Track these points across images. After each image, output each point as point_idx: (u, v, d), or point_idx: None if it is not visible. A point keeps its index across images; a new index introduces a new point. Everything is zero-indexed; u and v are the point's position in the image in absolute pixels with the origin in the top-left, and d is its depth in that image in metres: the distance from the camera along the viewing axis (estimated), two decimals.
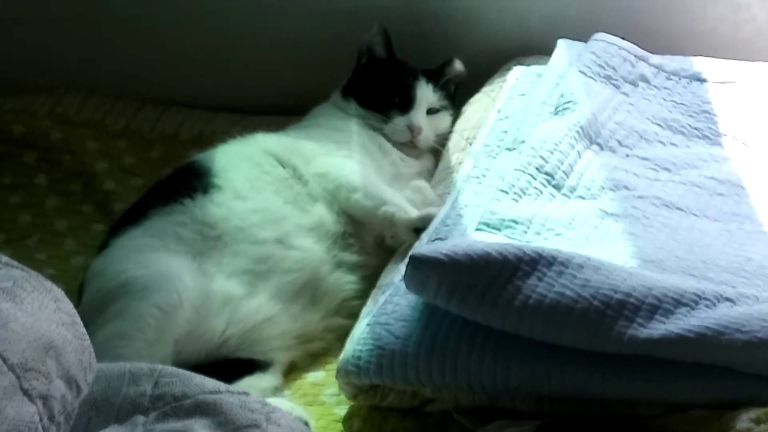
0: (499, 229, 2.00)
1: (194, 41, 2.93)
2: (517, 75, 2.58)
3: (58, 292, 1.57)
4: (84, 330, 1.57)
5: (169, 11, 2.91)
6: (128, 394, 1.64)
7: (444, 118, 2.59)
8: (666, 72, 2.51)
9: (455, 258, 1.77)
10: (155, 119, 2.92)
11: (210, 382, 1.67)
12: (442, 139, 2.55)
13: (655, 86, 2.47)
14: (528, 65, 2.63)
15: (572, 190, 2.12)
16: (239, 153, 2.40)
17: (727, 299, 1.73)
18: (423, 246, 1.98)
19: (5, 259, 1.57)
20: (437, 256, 1.78)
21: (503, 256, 1.77)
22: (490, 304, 1.74)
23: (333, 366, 1.98)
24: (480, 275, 1.75)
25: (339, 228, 2.30)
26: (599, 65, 2.44)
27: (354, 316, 2.05)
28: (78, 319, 1.57)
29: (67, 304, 1.57)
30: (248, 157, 2.37)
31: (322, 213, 2.30)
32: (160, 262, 2.13)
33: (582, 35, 2.57)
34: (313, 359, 2.17)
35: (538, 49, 2.68)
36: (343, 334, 2.02)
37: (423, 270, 1.79)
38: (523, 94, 2.48)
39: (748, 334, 1.65)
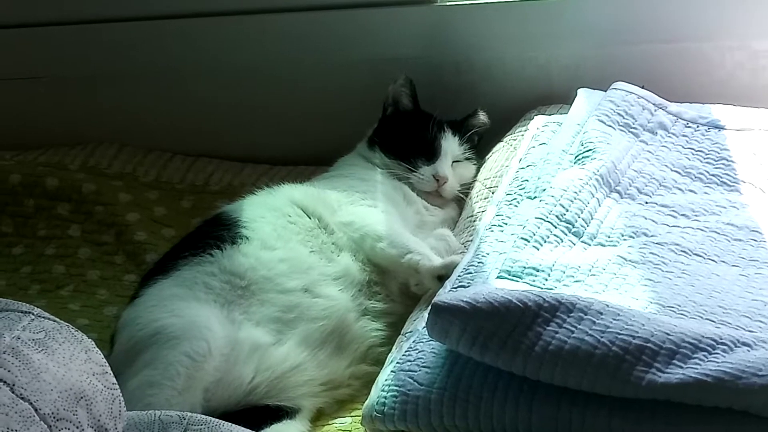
0: (520, 277, 2.02)
1: (221, 95, 2.98)
2: (538, 124, 2.60)
3: (89, 343, 1.60)
4: (114, 379, 1.60)
5: (197, 67, 2.96)
6: None
7: (468, 168, 2.62)
8: (684, 120, 2.53)
9: (476, 305, 1.79)
10: (185, 170, 2.97)
11: (238, 430, 1.70)
12: (466, 188, 2.57)
13: (673, 134, 2.48)
14: (549, 114, 2.66)
15: (592, 237, 2.14)
16: (266, 204, 2.43)
17: (744, 344, 1.74)
18: (445, 293, 2.01)
19: (37, 310, 1.59)
20: (459, 303, 1.81)
21: (523, 303, 1.79)
22: (511, 350, 1.76)
23: (359, 412, 1.99)
24: (501, 322, 1.78)
25: (364, 276, 2.32)
26: (618, 114, 2.46)
27: (380, 362, 2.07)
28: (108, 368, 1.60)
29: (98, 355, 1.60)
30: (275, 208, 2.40)
31: (347, 262, 2.32)
32: (189, 312, 2.16)
33: (601, 84, 2.59)
34: (340, 406, 2.19)
35: (558, 98, 2.71)
36: (369, 381, 2.04)
37: (445, 317, 1.82)
38: (544, 143, 2.50)
39: (764, 378, 1.66)
